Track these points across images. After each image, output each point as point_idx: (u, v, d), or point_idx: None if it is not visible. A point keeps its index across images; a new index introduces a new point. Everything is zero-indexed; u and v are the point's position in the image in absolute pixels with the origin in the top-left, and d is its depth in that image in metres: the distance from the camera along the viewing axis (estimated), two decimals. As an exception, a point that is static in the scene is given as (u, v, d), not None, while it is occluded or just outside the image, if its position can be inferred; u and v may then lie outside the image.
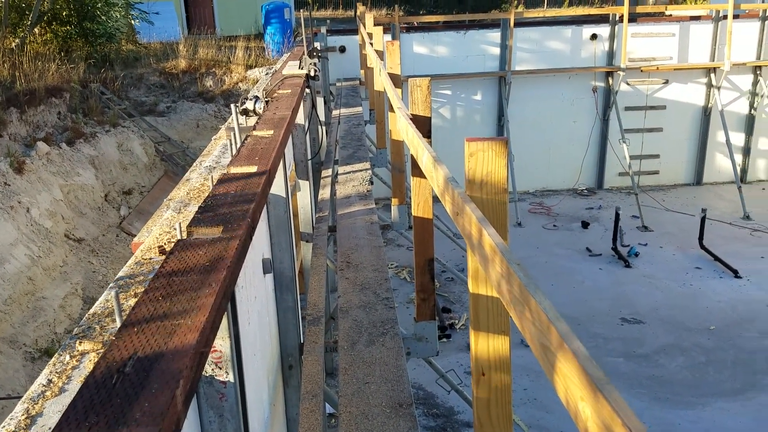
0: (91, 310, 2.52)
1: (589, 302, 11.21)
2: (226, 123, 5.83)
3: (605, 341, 10.03)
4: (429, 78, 3.72)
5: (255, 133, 3.54)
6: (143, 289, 1.89)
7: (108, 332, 2.31)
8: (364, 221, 6.22)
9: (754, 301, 10.95)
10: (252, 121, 4.63)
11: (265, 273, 3.39)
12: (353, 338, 4.07)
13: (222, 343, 2.04)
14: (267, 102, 4.97)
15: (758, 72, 16.00)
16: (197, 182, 3.88)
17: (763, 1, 16.96)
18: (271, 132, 3.51)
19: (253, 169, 2.80)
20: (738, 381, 8.93)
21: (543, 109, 16.23)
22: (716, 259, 12.38)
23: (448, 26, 16.76)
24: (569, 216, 15.13)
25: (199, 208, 2.37)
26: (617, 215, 12.95)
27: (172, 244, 2.22)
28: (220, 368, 2.06)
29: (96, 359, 2.10)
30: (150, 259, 2.88)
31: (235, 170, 2.85)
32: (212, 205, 2.41)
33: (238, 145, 3.41)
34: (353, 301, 4.53)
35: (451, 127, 16.31)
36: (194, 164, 4.67)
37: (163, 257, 2.12)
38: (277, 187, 3.59)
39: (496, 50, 15.81)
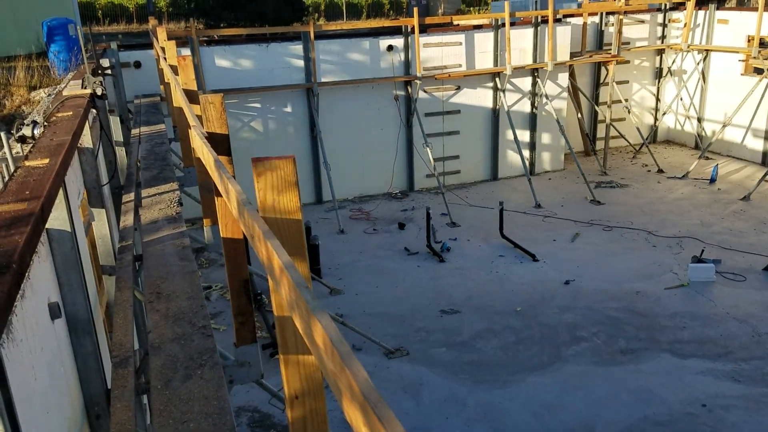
0: None
1: (411, 298, 11.68)
2: (-2, 153, 5.17)
3: (428, 334, 10.50)
4: (221, 95, 3.59)
5: (27, 163, 3.16)
6: None
7: None
8: (175, 246, 5.86)
9: (551, 281, 12.15)
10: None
11: (53, 318, 3.03)
12: (168, 375, 3.79)
13: (-12, 413, 1.76)
14: (45, 126, 4.49)
15: (536, 73, 17.82)
16: (-39, 225, 3.37)
17: (535, 9, 18.92)
18: (47, 160, 3.15)
19: (23, 205, 2.48)
20: (545, 355, 9.83)
21: (352, 118, 16.65)
22: (516, 246, 13.55)
23: (251, 39, 16.53)
24: (387, 219, 15.68)
25: (-48, 258, 2.04)
26: (428, 214, 13.66)
27: None
28: (-10, 442, 1.77)
29: None
30: None
31: (1, 208, 2.51)
32: (-31, 252, 2.08)
33: (7, 179, 3.02)
34: (166, 335, 4.23)
35: (264, 140, 16.12)
36: (-41, 203, 4.07)
37: None
38: (59, 221, 3.23)
39: (301, 62, 15.92)
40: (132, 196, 7.37)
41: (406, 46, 16.61)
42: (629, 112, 19.47)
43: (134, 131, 10.56)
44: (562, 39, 17.69)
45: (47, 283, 3.11)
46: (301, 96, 16.20)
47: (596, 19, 19.28)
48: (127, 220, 6.62)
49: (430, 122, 17.09)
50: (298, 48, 15.86)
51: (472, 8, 42.66)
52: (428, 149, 16.28)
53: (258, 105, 16.00)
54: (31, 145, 4.04)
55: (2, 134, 4.00)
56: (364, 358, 9.73)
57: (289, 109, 16.24)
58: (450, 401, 8.83)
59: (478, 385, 9.15)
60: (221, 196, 3.79)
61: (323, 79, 16.08)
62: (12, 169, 3.57)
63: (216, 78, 15.35)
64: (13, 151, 4.42)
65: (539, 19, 17.48)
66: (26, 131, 4.68)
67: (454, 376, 9.38)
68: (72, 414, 3.39)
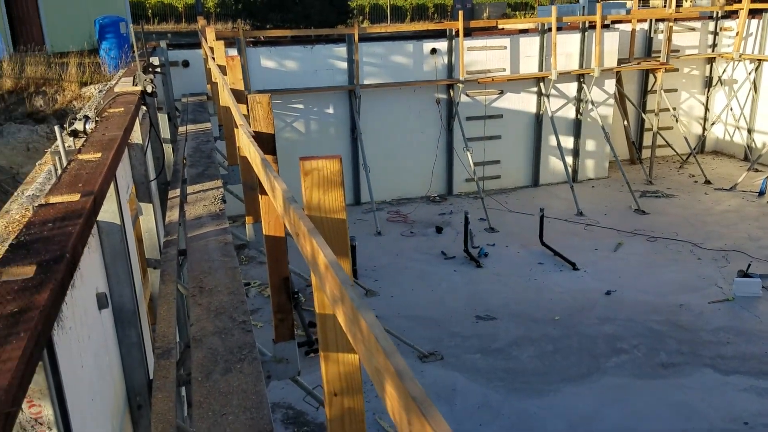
0: None
1: (446, 303, 11.63)
2: (52, 146, 5.36)
3: (463, 339, 10.44)
4: (269, 95, 3.64)
5: (80, 156, 3.26)
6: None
7: None
8: (218, 242, 5.96)
9: (591, 291, 11.94)
10: (82, 142, 4.28)
11: (100, 308, 3.12)
12: (208, 368, 3.86)
13: (40, 395, 1.83)
14: (97, 122, 4.62)
15: (582, 79, 17.56)
16: (17, 214, 3.50)
17: (582, 14, 18.67)
18: (99, 155, 3.25)
19: (76, 196, 2.56)
20: (583, 366, 9.66)
21: (393, 120, 16.68)
22: (556, 254, 13.37)
23: (296, 41, 16.73)
24: (424, 222, 15.65)
25: (10, 245, 2.12)
26: (466, 219, 13.58)
27: (-20, 288, 1.96)
28: (41, 424, 1.84)
29: None
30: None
31: (55, 199, 2.60)
32: (26, 240, 2.16)
33: (61, 171, 3.12)
34: (207, 328, 4.31)
35: (306, 140, 16.28)
36: (15, 193, 4.22)
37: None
38: (109, 214, 3.32)
39: (344, 64, 16.03)
40: (178, 191, 7.53)
41: (450, 50, 16.56)
42: (677, 120, 19.02)
43: (181, 129, 10.78)
44: (610, 45, 17.40)
45: (96, 273, 3.20)
46: (343, 98, 16.30)
47: (645, 25, 18.91)
48: (173, 215, 6.78)
49: (471, 126, 17.00)
50: (341, 50, 15.97)
51: (517, 12, 42.32)
52: (468, 153, 16.19)
53: (301, 106, 16.17)
54: (84, 139, 4.17)
55: (56, 128, 4.14)
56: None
57: (331, 111, 16.37)
58: (484, 408, 8.76)
59: (513, 393, 9.05)
60: (266, 194, 3.85)
61: (366, 82, 16.15)
62: (65, 161, 3.69)
63: (261, 78, 15.57)
64: (66, 145, 4.57)
65: (587, 25, 17.23)
66: (78, 126, 4.82)
67: (488, 382, 9.31)
68: (115, 403, 3.48)
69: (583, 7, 20.51)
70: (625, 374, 9.41)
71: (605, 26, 17.34)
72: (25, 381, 1.51)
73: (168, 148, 10.38)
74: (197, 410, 3.41)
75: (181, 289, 6.02)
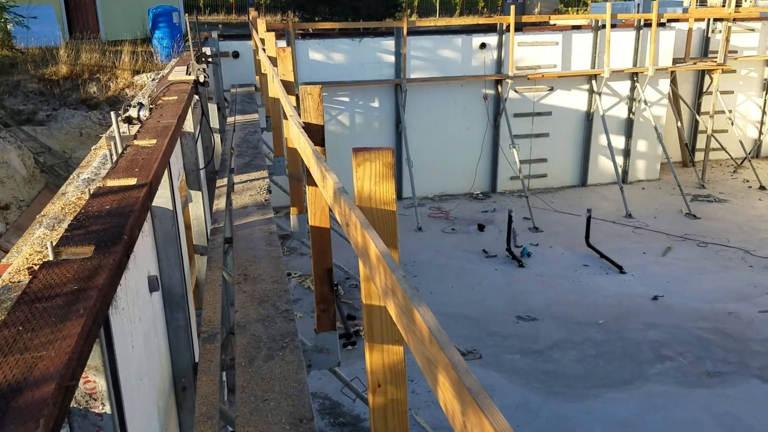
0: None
1: (487, 302, 11.54)
2: (107, 132, 5.51)
3: (503, 339, 10.35)
4: (320, 86, 3.66)
5: (136, 142, 3.34)
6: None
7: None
8: (263, 231, 6.05)
9: (638, 295, 11.68)
10: (136, 129, 4.39)
11: (151, 291, 3.20)
12: (251, 354, 3.93)
13: (96, 372, 1.88)
14: (151, 109, 4.73)
15: (635, 78, 17.15)
16: (73, 196, 3.61)
17: (637, 12, 18.22)
18: (154, 141, 3.32)
19: (132, 181, 2.63)
20: (626, 371, 9.47)
21: (438, 115, 16.60)
22: (602, 256, 13.11)
23: (344, 33, 16.80)
24: (466, 219, 15.54)
25: (70, 225, 2.19)
26: (510, 217, 13.43)
27: (41, 265, 2.03)
28: (95, 399, 1.89)
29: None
30: (19, 282, 2.64)
31: (112, 183, 2.67)
32: (84, 221, 2.23)
33: (118, 156, 3.20)
34: (251, 315, 4.38)
35: (350, 133, 16.34)
36: (71, 176, 4.36)
37: (28, 281, 1.93)
38: (163, 200, 3.40)
39: (391, 58, 16.01)
40: (225, 181, 7.66)
41: (500, 45, 16.37)
42: (732, 123, 18.41)
43: (229, 119, 10.96)
44: (665, 44, 16.93)
45: (148, 257, 3.28)
46: (389, 91, 16.29)
47: (702, 25, 18.34)
48: (220, 203, 6.90)
49: (518, 123, 16.78)
50: (389, 43, 15.96)
51: (569, 8, 41.56)
52: (515, 150, 16.00)
53: (346, 99, 16.23)
54: (139, 125, 4.27)
55: (113, 114, 4.26)
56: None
57: (376, 104, 16.38)
58: (522, 410, 8.67)
59: (553, 396, 8.93)
60: (313, 185, 3.88)
61: (413, 76, 16.11)
62: (120, 147, 3.79)
63: (308, 70, 15.68)
64: (120, 131, 4.68)
65: (642, 23, 16.81)
66: (132, 112, 4.94)
67: (527, 384, 9.20)
68: (161, 384, 3.57)
69: (638, 4, 20.02)
70: (669, 382, 9.18)
71: (661, 24, 16.88)
72: (84, 357, 1.55)
73: (217, 138, 10.57)
74: (240, 394, 3.47)
75: (226, 276, 6.13)
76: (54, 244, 2.07)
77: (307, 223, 6.94)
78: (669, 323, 10.71)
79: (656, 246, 13.78)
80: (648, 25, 16.63)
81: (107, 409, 1.89)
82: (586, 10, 39.00)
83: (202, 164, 6.87)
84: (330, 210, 4.20)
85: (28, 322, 1.63)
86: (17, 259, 2.89)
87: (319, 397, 9.03)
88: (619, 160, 17.63)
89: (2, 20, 16.10)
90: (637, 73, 17.02)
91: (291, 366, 3.78)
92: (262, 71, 10.27)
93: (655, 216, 15.48)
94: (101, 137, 9.34)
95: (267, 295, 4.70)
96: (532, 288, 12.04)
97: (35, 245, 2.97)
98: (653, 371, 9.43)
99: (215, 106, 11.15)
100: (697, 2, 19.86)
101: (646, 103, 16.90)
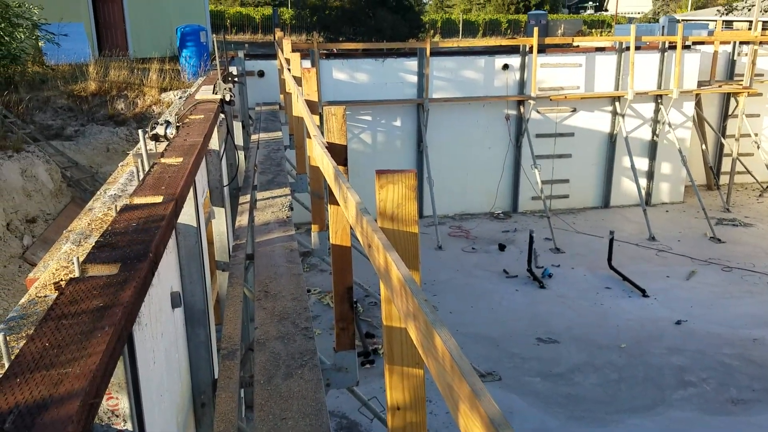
0: (-23, 355, 2.32)
1: (506, 323, 11.44)
2: (134, 149, 5.60)
3: (522, 361, 10.23)
4: (344, 107, 3.70)
5: (163, 160, 3.39)
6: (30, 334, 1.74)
7: (-6, 379, 2.12)
8: (284, 248, 6.08)
9: (661, 319, 11.50)
10: (162, 146, 4.46)
11: (174, 307, 3.23)
12: (270, 372, 3.94)
13: (118, 388, 1.90)
14: (178, 127, 4.81)
15: (659, 100, 17.03)
16: (100, 212, 3.68)
17: (662, 34, 18.15)
18: (181, 159, 3.38)
19: (159, 198, 2.67)
20: (648, 397, 9.30)
21: (460, 135, 16.62)
22: (625, 279, 12.95)
23: (368, 54, 16.96)
24: (487, 239, 15.48)
25: (97, 242, 2.23)
26: (531, 238, 13.35)
27: (67, 281, 2.07)
28: (117, 416, 1.92)
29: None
30: (45, 296, 2.69)
31: (139, 200, 2.71)
32: (111, 238, 2.27)
33: (145, 173, 3.25)
34: (271, 333, 4.40)
35: (372, 152, 16.43)
36: (98, 192, 4.44)
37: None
38: (187, 217, 3.45)
39: (414, 78, 16.12)
40: (248, 197, 7.74)
41: (523, 66, 16.40)
42: (758, 147, 18.16)
43: (254, 137, 11.09)
44: (690, 66, 16.83)
45: (171, 273, 3.32)
46: (411, 111, 16.38)
47: (728, 48, 18.20)
48: (242, 220, 6.96)
49: (540, 143, 16.73)
50: (412, 64, 16.07)
51: (593, 30, 41.54)
52: (537, 171, 15.94)
53: (369, 117, 16.34)
54: (167, 143, 4.34)
55: (140, 132, 4.34)
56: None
57: (398, 123, 16.47)
58: (541, 433, 8.55)
59: (573, 421, 8.79)
60: (335, 203, 3.91)
61: (435, 95, 16.18)
62: (146, 164, 3.86)
63: (332, 90, 15.84)
64: (147, 148, 4.76)
65: (666, 45, 16.73)
66: (159, 130, 5.02)
67: (547, 407, 9.08)
68: (181, 400, 3.59)
69: (663, 26, 19.94)
70: (692, 408, 9.00)
71: (686, 47, 16.79)
72: (108, 374, 1.57)
73: (240, 155, 10.68)
74: (258, 412, 3.47)
75: (247, 293, 6.17)
76: (81, 260, 2.11)
77: (328, 240, 6.98)
78: (692, 348, 10.51)
79: (680, 270, 13.59)
80: (673, 47, 16.56)
81: (129, 426, 1.91)
82: (609, 32, 38.94)
83: (225, 181, 6.95)
84: (351, 228, 4.22)
85: (55, 338, 1.66)
86: (44, 274, 2.95)
87: (337, 415, 8.99)
88: (643, 182, 17.46)
89: (34, 37, 16.51)
90: (661, 96, 16.91)
91: (310, 385, 3.78)
92: (287, 90, 10.40)
93: (679, 239, 15.27)
94: (128, 153, 9.53)
95: (287, 313, 4.72)
96: (553, 310, 11.92)
97: (62, 260, 3.03)
98: (676, 397, 9.26)
99: (240, 123, 11.29)
100: (722, 25, 19.72)
101: (670, 125, 16.76)
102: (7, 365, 1.64)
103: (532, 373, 9.89)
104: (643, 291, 12.46)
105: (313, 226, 7.46)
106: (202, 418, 4.03)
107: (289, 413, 3.49)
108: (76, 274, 2.04)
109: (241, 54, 14.96)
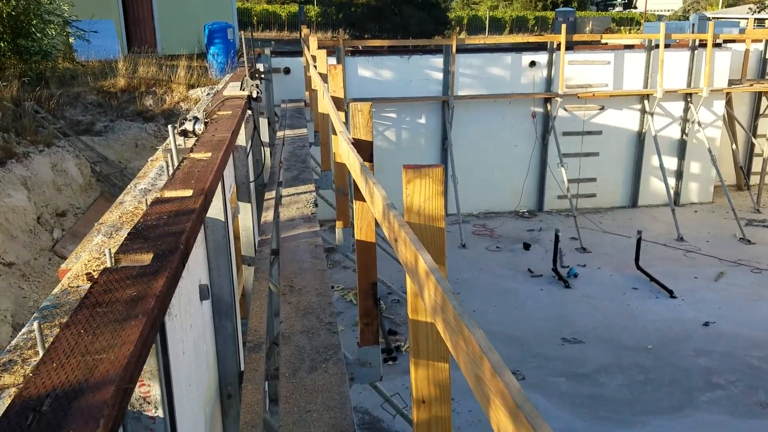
0: (13, 342, 2.39)
1: (531, 322, 11.37)
2: (164, 144, 5.69)
3: (547, 361, 10.16)
4: (370, 103, 3.72)
5: (192, 155, 3.45)
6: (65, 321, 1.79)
7: (30, 366, 2.18)
8: (308, 244, 6.13)
9: (689, 321, 11.33)
10: (191, 142, 4.52)
11: (202, 299, 3.28)
12: (295, 365, 3.98)
13: (150, 376, 1.95)
14: (206, 123, 4.87)
15: (689, 99, 16.76)
16: (131, 205, 3.74)
17: (692, 32, 17.85)
18: (209, 154, 3.42)
19: (189, 192, 2.71)
20: (675, 399, 9.18)
21: (485, 133, 16.54)
22: (652, 279, 12.78)
23: (393, 51, 16.96)
24: (511, 238, 15.39)
25: (129, 233, 2.28)
26: (557, 237, 13.24)
27: (101, 271, 2.12)
28: (149, 403, 1.96)
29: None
30: (77, 287, 2.75)
31: (170, 194, 2.76)
32: (143, 230, 2.31)
33: (174, 168, 3.31)
34: (296, 327, 4.44)
35: (396, 149, 16.42)
36: (128, 186, 4.52)
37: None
38: (216, 211, 3.49)
39: (439, 75, 16.07)
40: (273, 193, 7.81)
41: (550, 63, 16.25)
42: (792, 146, 17.78)
43: (279, 133, 11.17)
44: (721, 65, 16.53)
45: (200, 266, 3.37)
46: (436, 108, 16.34)
47: (760, 46, 17.83)
48: (268, 215, 7.03)
49: (567, 142, 16.58)
50: (438, 61, 16.02)
51: (622, 27, 41.01)
52: (563, 169, 15.79)
53: (394, 115, 16.34)
54: (195, 139, 4.40)
55: (170, 127, 4.40)
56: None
57: (423, 121, 16.44)
58: (565, 433, 8.49)
59: (598, 422, 8.71)
60: (361, 199, 3.93)
61: (461, 93, 16.12)
62: (176, 159, 3.92)
63: (357, 87, 15.87)
64: (176, 143, 4.83)
65: (696, 43, 16.46)
66: (188, 126, 5.10)
67: (572, 408, 9.01)
68: (208, 391, 3.64)
69: (693, 24, 19.60)
70: (719, 411, 8.86)
71: (717, 45, 16.49)
72: (141, 361, 1.61)
73: (266, 151, 10.77)
74: (284, 405, 3.51)
75: (272, 287, 6.23)
76: (113, 251, 2.15)
77: (352, 236, 7.00)
78: (720, 350, 10.35)
79: (708, 271, 13.37)
80: (703, 45, 16.28)
81: (160, 413, 1.95)
82: (638, 29, 38.40)
83: (252, 177, 7.02)
84: (376, 224, 4.23)
85: (89, 325, 1.71)
86: (76, 265, 3.01)
87: (359, 411, 9.03)
88: (671, 181, 17.21)
89: (65, 34, 16.81)
90: (691, 94, 16.64)
91: (334, 378, 3.81)
92: (313, 87, 10.45)
93: (708, 240, 15.03)
94: (157, 149, 9.65)
95: (311, 307, 4.76)
96: (579, 310, 11.81)
97: (94, 252, 3.09)
98: (703, 399, 9.12)
99: (266, 120, 11.38)
100: (754, 23, 19.33)
101: (700, 124, 16.49)
102: (41, 352, 1.68)
103: (557, 373, 9.82)
104: (670, 292, 12.29)
105: (337, 222, 7.50)
106: (229, 409, 4.08)
107: (313, 406, 3.53)
108: (109, 264, 2.09)
109: (267, 51, 15.07)
